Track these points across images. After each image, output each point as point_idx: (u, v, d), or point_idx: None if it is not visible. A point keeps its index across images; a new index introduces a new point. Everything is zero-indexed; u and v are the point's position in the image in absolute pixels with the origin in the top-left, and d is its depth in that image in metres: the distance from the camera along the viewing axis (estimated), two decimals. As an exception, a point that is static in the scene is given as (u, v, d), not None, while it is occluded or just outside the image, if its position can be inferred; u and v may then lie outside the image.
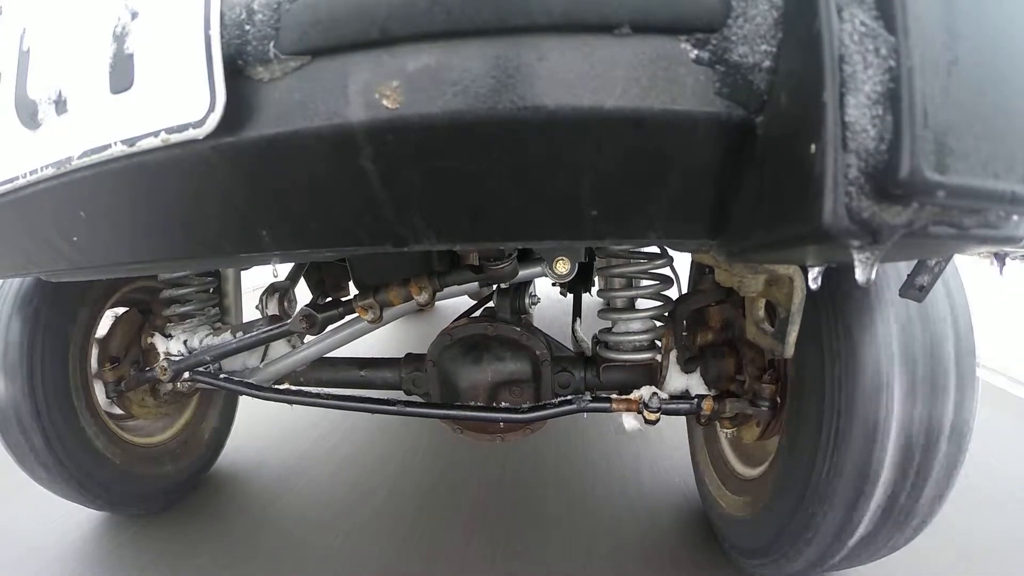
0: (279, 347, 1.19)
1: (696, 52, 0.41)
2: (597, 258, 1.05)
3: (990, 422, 1.76)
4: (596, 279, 1.47)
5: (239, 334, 1.17)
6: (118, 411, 1.26)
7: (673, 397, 0.97)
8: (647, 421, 0.95)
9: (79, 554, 1.16)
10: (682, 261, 1.08)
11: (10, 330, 1.05)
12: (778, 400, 0.94)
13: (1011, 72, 0.35)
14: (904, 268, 0.73)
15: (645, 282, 1.04)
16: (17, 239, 0.68)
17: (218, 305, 1.33)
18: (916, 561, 1.07)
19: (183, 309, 1.23)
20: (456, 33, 0.41)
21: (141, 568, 1.11)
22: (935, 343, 0.76)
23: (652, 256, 1.00)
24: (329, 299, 1.54)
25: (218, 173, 0.50)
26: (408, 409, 0.98)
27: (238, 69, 0.45)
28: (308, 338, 1.17)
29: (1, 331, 1.06)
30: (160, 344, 1.22)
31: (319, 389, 1.08)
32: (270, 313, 1.26)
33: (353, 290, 1.11)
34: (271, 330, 1.10)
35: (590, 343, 1.12)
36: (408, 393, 1.11)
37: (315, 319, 1.04)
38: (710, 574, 1.07)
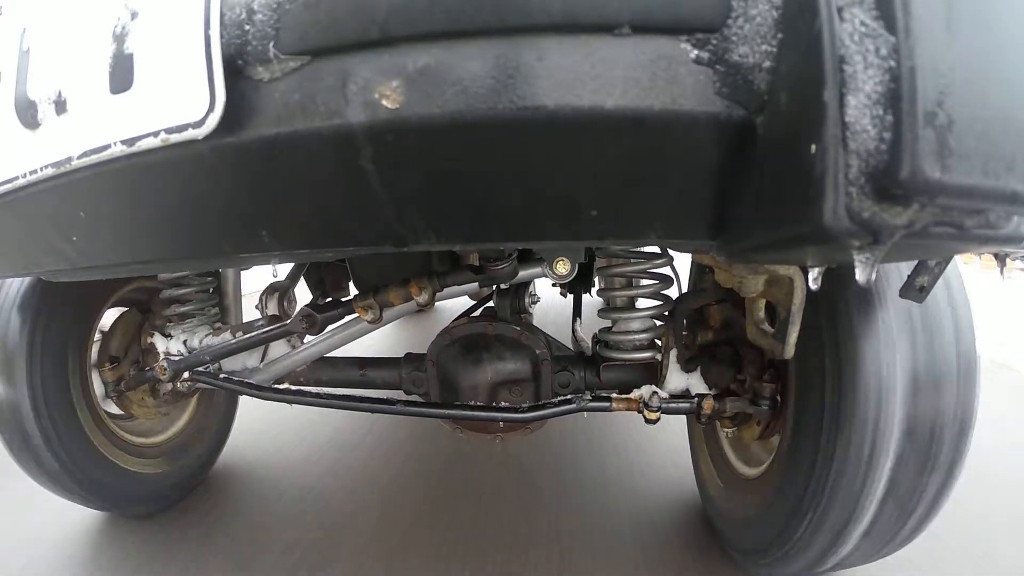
0: (279, 347, 1.19)
1: (696, 52, 0.41)
2: (597, 258, 1.05)
3: (993, 419, 1.76)
4: (596, 279, 1.47)
5: (239, 334, 1.17)
6: (118, 411, 1.26)
7: (673, 396, 0.97)
8: (647, 421, 0.95)
9: (79, 554, 1.16)
10: (682, 261, 1.08)
11: (10, 330, 1.05)
12: (778, 399, 0.94)
13: (1012, 72, 0.35)
14: (904, 267, 0.73)
15: (645, 282, 1.04)
16: (17, 239, 0.68)
17: (218, 305, 1.32)
18: (917, 561, 1.07)
19: (183, 309, 1.23)
20: (456, 33, 0.41)
21: (141, 568, 1.11)
22: (935, 341, 0.76)
23: (652, 256, 1.00)
24: (329, 299, 1.54)
25: (218, 173, 0.50)
26: (408, 409, 0.98)
27: (238, 69, 0.45)
28: (308, 338, 1.17)
29: (1, 331, 1.06)
30: (160, 344, 1.22)
31: (319, 389, 1.08)
32: (270, 313, 1.26)
33: (353, 290, 1.11)
34: (271, 330, 1.10)
35: (590, 343, 1.12)
36: (408, 393, 1.11)
37: (315, 319, 1.04)
38: (711, 574, 1.07)
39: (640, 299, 1.06)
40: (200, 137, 0.46)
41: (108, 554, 1.16)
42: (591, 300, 1.70)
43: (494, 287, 1.09)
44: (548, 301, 2.75)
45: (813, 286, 0.46)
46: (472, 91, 0.41)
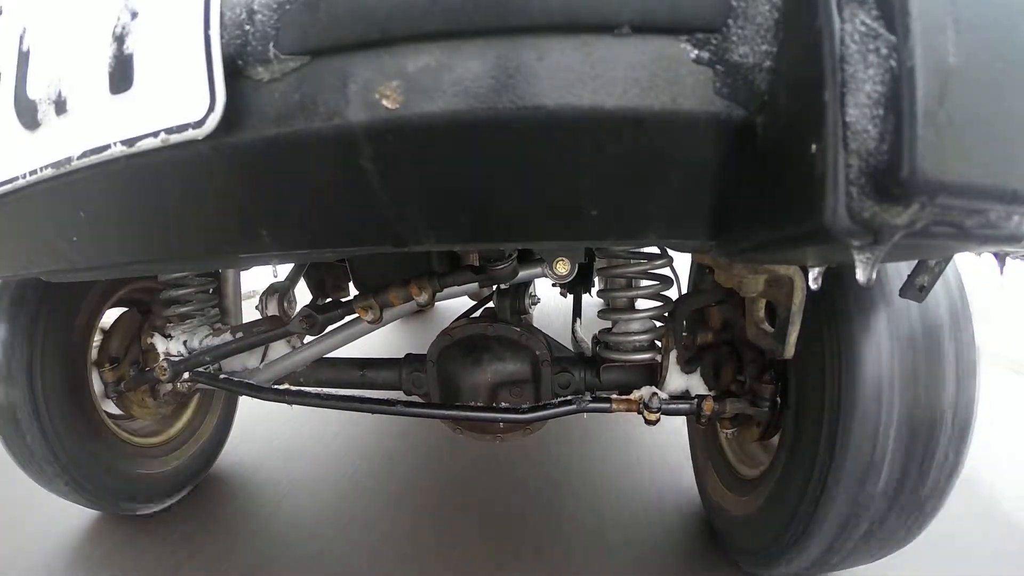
0: (279, 347, 1.19)
1: (696, 52, 0.41)
2: (597, 258, 1.05)
3: (993, 417, 1.76)
4: (596, 279, 1.47)
5: (239, 334, 1.17)
6: (118, 411, 1.26)
7: (673, 397, 0.97)
8: (647, 422, 0.95)
9: (79, 554, 1.16)
10: (682, 261, 1.08)
11: (9, 331, 1.05)
12: (778, 400, 0.94)
13: (1012, 72, 0.35)
14: (904, 266, 0.73)
15: (645, 282, 1.04)
16: (17, 239, 0.68)
17: (218, 305, 1.32)
18: (918, 561, 1.07)
19: (183, 309, 1.22)
20: (456, 33, 0.41)
21: (141, 568, 1.11)
22: (935, 340, 0.76)
23: (652, 256, 1.00)
24: (329, 300, 1.54)
25: (218, 173, 0.50)
26: (408, 409, 0.97)
27: (238, 69, 0.45)
28: (308, 338, 1.17)
29: (1, 331, 1.05)
30: (160, 344, 1.22)
31: (319, 389, 1.08)
32: (270, 314, 1.26)
33: (353, 291, 1.11)
34: (271, 330, 1.10)
35: (590, 343, 1.12)
36: (408, 393, 1.11)
37: (315, 319, 1.04)
38: (711, 575, 1.07)
39: (640, 300, 1.06)
40: (200, 137, 0.45)
41: (108, 554, 1.15)
42: (591, 301, 1.70)
43: (494, 287, 1.09)
44: (548, 301, 2.75)
45: (813, 286, 0.46)
46: (472, 91, 0.41)
